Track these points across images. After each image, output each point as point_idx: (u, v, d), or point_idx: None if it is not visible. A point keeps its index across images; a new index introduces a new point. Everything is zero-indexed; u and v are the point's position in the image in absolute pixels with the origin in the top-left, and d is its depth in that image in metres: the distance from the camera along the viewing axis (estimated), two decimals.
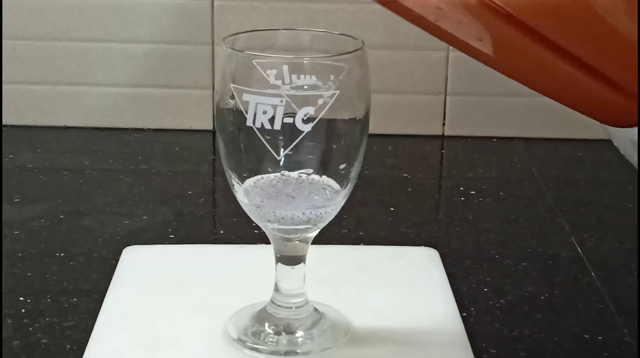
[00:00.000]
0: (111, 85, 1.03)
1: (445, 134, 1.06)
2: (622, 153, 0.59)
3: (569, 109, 1.01)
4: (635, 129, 0.54)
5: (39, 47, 1.02)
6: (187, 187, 0.90)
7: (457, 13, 0.49)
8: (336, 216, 0.64)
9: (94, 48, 1.02)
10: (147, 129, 1.04)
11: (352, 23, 1.00)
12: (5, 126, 1.03)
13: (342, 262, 0.74)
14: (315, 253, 0.66)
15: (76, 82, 1.03)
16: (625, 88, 0.51)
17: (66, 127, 1.04)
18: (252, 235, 0.78)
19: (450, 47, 1.03)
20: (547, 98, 1.02)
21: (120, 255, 0.74)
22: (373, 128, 1.01)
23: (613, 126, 0.56)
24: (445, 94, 1.05)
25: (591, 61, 0.50)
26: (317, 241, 0.65)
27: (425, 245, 0.78)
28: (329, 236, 0.78)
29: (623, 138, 0.57)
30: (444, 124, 1.05)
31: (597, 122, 0.59)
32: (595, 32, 0.49)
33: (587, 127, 1.03)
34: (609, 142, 1.02)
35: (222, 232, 0.83)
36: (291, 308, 0.64)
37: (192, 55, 1.03)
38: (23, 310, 0.69)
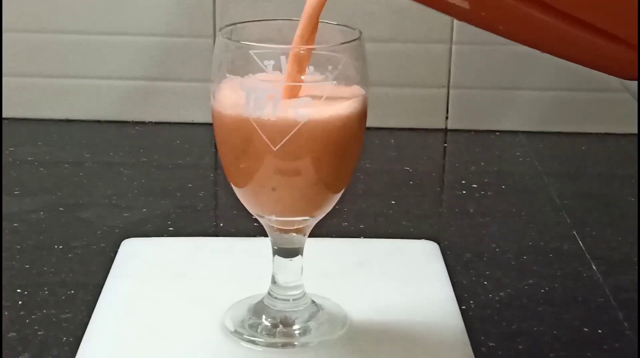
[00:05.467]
0: (112, 78, 1.03)
1: (448, 127, 1.05)
2: None
3: (571, 104, 1.00)
4: None
5: (40, 40, 1.02)
6: (188, 180, 0.90)
7: None
8: (337, 209, 0.63)
9: (96, 41, 1.02)
10: (149, 122, 1.04)
11: (355, 15, 1.00)
12: (6, 118, 1.03)
13: (341, 255, 0.73)
14: (315, 246, 0.66)
15: (77, 75, 1.03)
16: (629, 42, 0.49)
17: (67, 120, 1.04)
18: (251, 227, 0.77)
19: (454, 40, 1.02)
20: (550, 92, 1.02)
21: (119, 248, 0.74)
22: (375, 121, 1.01)
23: (626, 78, 0.53)
24: (448, 87, 1.04)
25: (586, 17, 0.48)
26: (317, 234, 0.65)
27: (426, 238, 0.77)
28: (329, 229, 0.78)
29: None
30: (447, 117, 1.05)
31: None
32: None
33: (590, 121, 1.03)
34: (611, 136, 1.03)
35: (221, 225, 0.83)
36: (288, 300, 0.64)
37: (193, 48, 1.02)
38: (20, 302, 0.68)
